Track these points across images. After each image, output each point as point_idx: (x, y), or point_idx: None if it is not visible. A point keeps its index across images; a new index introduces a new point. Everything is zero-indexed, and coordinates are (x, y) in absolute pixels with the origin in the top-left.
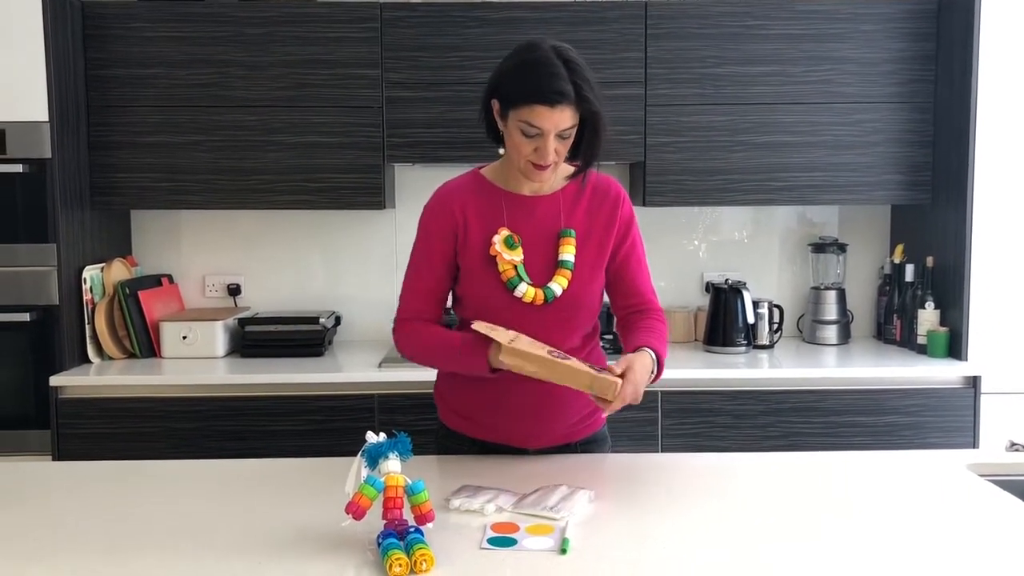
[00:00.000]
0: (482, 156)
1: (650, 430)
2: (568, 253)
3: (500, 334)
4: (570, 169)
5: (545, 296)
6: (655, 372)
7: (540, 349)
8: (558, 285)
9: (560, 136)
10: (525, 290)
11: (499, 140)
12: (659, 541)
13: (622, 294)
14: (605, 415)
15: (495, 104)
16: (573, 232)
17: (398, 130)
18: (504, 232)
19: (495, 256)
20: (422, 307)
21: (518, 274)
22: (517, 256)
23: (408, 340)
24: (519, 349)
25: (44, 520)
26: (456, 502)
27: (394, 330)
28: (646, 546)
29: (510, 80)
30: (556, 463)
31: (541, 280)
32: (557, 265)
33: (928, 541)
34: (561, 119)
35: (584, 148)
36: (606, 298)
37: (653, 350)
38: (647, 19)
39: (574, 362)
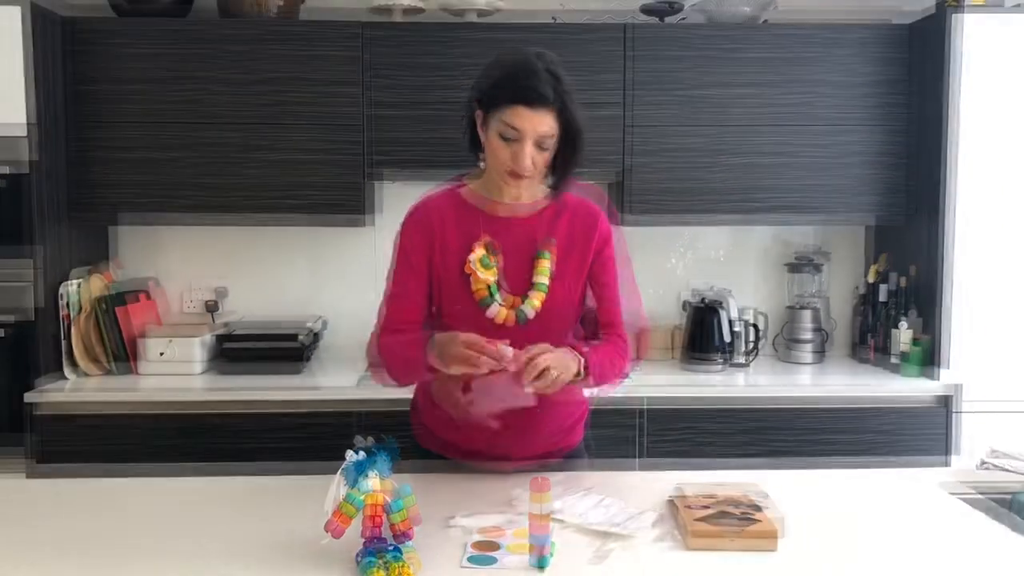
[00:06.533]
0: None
1: (628, 448)
2: (543, 275)
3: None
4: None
5: (517, 318)
6: (583, 367)
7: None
8: (531, 307)
9: (539, 146)
10: (497, 311)
11: (480, 150)
12: (635, 556)
13: (591, 320)
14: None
15: (479, 115)
16: (548, 254)
17: (379, 147)
18: (480, 250)
19: (470, 274)
20: (407, 315)
21: (491, 293)
22: (491, 276)
23: (377, 350)
24: None
25: (19, 537)
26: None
27: (370, 344)
28: (623, 559)
29: (493, 84)
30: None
31: (518, 294)
32: (531, 287)
33: (898, 559)
34: (541, 123)
35: (560, 164)
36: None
37: (581, 353)
38: (627, 41)
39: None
